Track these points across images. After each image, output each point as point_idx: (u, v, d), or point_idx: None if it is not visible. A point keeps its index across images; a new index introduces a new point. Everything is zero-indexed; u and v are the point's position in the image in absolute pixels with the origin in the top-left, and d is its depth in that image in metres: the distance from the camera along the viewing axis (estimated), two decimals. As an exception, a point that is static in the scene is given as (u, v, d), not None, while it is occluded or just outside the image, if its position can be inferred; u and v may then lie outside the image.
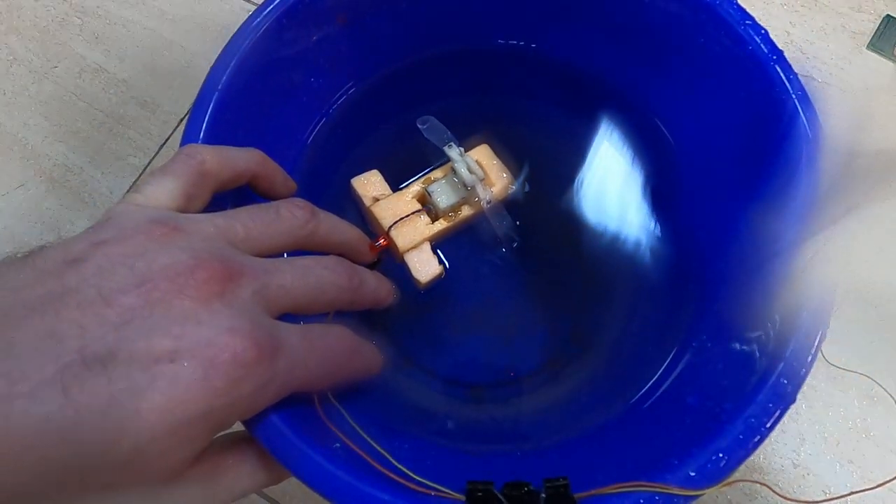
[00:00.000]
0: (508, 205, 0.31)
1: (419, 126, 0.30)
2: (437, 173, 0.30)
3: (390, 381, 0.28)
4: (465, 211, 0.30)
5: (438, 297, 0.30)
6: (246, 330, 0.17)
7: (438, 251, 0.30)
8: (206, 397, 0.16)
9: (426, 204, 0.30)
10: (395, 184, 0.31)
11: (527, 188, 0.31)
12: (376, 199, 0.30)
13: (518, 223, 0.30)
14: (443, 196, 0.29)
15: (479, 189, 0.29)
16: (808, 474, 0.31)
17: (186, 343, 0.16)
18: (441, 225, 0.30)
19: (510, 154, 0.31)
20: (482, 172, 0.29)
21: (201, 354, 0.16)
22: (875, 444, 0.32)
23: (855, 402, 0.32)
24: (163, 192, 0.20)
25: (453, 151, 0.29)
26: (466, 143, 0.31)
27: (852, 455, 0.32)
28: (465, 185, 0.29)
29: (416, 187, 0.30)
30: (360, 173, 0.30)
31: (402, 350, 0.29)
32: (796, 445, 0.32)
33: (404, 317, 0.29)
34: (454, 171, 0.29)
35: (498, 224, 0.30)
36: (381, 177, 0.30)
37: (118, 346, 0.16)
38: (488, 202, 0.29)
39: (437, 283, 0.30)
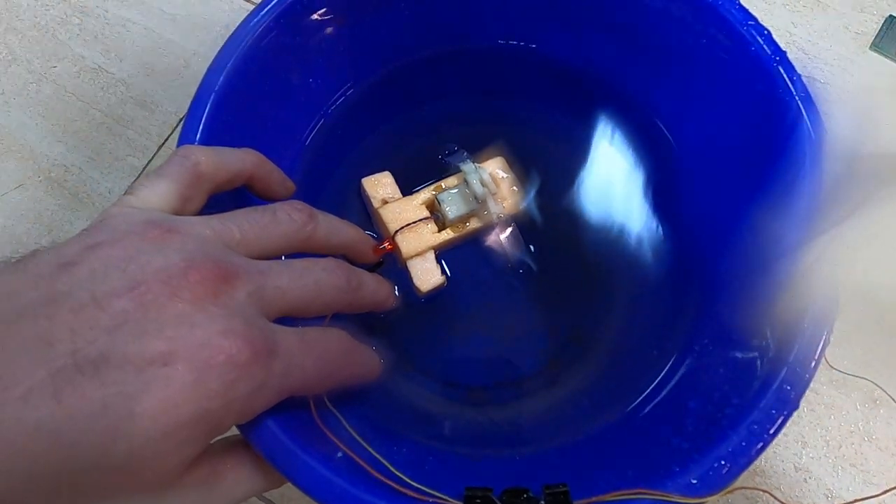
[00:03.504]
0: (518, 218, 0.30)
1: (446, 159, 0.30)
2: (451, 181, 0.30)
3: (389, 384, 0.27)
4: (474, 223, 0.29)
5: (439, 300, 0.29)
6: (240, 331, 0.17)
7: (442, 260, 0.29)
8: (200, 400, 0.16)
9: (435, 212, 0.29)
10: (398, 184, 0.30)
11: (532, 195, 0.31)
12: (385, 202, 0.29)
13: (531, 248, 0.30)
14: (452, 206, 0.29)
15: (490, 203, 0.29)
16: (809, 478, 0.31)
17: (180, 345, 0.16)
18: (447, 235, 0.29)
19: (510, 157, 0.31)
20: (494, 186, 0.29)
21: (195, 357, 0.16)
22: (877, 448, 0.31)
23: (857, 405, 0.32)
24: (157, 195, 0.20)
25: (467, 165, 0.29)
26: (481, 154, 0.30)
27: (854, 459, 0.31)
28: (475, 198, 0.28)
29: (426, 194, 0.29)
30: (360, 174, 0.30)
31: (401, 353, 0.28)
32: (798, 449, 0.32)
33: (404, 320, 0.29)
34: (466, 183, 0.29)
35: (511, 249, 0.29)
36: (392, 179, 0.30)
37: (111, 349, 0.16)
38: (499, 216, 0.29)
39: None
